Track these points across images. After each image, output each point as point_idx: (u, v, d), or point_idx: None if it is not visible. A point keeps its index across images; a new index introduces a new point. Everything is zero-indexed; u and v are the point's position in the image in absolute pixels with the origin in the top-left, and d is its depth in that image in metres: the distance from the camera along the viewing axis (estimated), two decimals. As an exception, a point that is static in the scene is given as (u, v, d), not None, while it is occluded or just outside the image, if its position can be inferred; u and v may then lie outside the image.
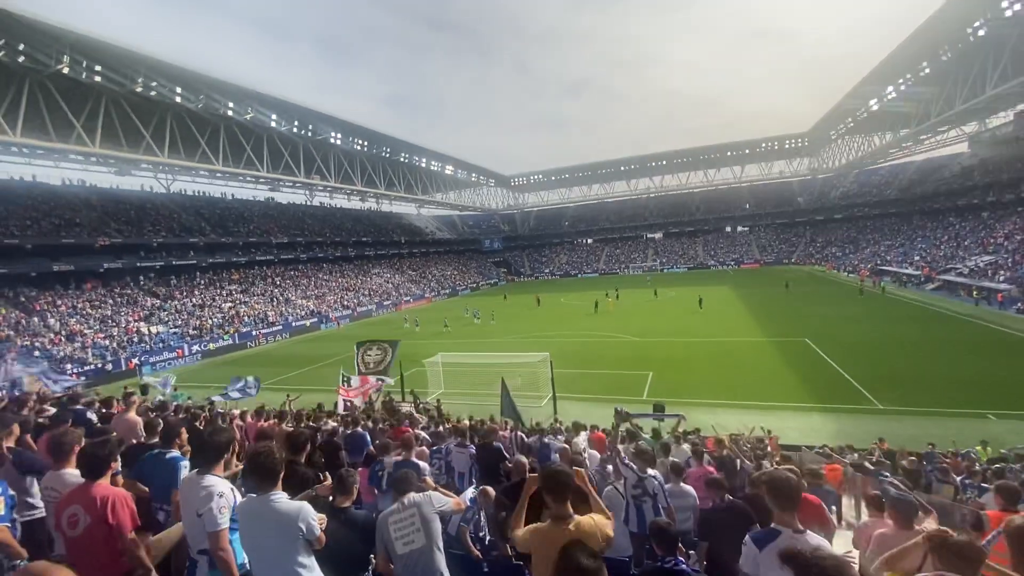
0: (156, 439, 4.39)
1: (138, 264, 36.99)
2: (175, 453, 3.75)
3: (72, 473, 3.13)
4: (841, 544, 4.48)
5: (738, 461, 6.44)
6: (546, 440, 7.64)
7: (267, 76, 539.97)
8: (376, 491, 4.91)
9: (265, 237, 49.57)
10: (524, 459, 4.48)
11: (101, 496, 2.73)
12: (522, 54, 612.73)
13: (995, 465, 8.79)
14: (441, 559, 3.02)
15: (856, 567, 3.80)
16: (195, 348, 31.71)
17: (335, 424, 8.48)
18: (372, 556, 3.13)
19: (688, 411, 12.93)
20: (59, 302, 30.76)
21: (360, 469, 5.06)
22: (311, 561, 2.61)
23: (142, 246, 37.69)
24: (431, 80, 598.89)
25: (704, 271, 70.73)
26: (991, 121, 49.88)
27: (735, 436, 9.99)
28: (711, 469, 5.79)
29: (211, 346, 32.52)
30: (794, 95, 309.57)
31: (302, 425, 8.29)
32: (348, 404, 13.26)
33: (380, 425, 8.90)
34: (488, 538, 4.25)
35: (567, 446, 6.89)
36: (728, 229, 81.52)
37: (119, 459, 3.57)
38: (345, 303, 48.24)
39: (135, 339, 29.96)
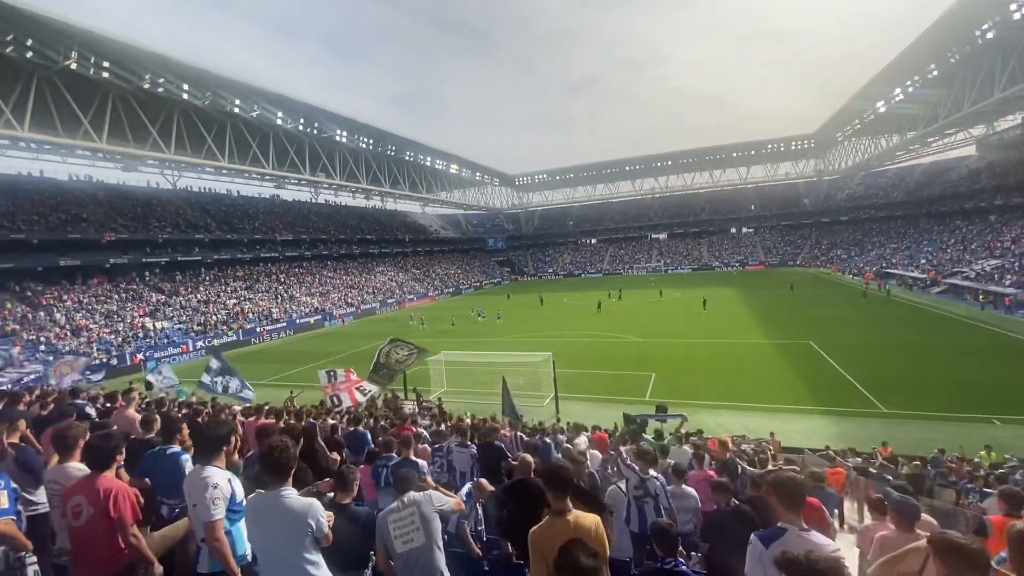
0: (153, 435, 4.42)
1: (144, 260, 37.22)
2: (175, 448, 3.77)
3: (76, 467, 3.15)
4: (841, 546, 4.45)
5: (739, 466, 6.42)
6: (547, 440, 7.63)
7: (275, 74, 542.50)
8: (376, 488, 4.91)
9: (270, 234, 49.73)
10: (529, 457, 4.46)
11: (104, 488, 2.75)
12: (527, 54, 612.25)
13: (998, 470, 8.74)
14: (441, 558, 3.02)
15: (855, 567, 3.80)
16: (199, 344, 31.91)
17: (334, 422, 8.46)
18: (372, 553, 3.14)
19: (691, 412, 12.96)
20: (65, 297, 30.99)
21: (362, 466, 5.07)
22: (318, 558, 2.62)
23: (148, 242, 37.90)
24: (436, 79, 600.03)
25: (709, 272, 70.32)
26: (999, 124, 49.32)
27: (737, 439, 9.97)
28: (712, 473, 5.77)
29: (215, 342, 32.66)
30: (799, 96, 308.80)
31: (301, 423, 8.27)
32: (337, 399, 13.03)
33: (382, 423, 8.91)
34: (486, 536, 4.25)
35: (569, 447, 6.88)
36: (733, 230, 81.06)
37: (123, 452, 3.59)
38: (349, 301, 48.37)
39: (140, 334, 30.17)
